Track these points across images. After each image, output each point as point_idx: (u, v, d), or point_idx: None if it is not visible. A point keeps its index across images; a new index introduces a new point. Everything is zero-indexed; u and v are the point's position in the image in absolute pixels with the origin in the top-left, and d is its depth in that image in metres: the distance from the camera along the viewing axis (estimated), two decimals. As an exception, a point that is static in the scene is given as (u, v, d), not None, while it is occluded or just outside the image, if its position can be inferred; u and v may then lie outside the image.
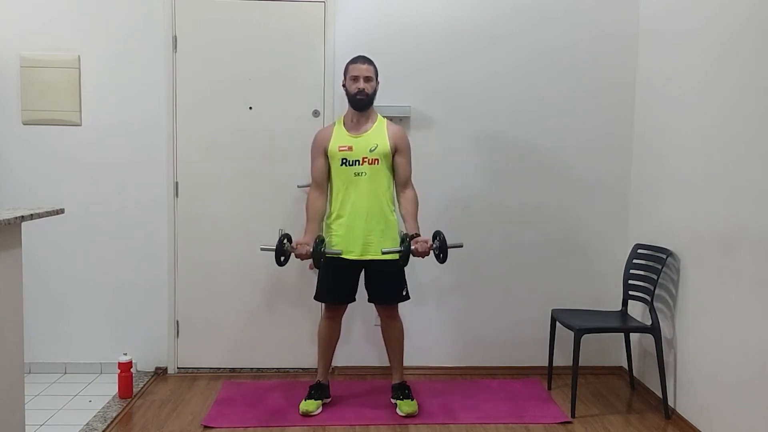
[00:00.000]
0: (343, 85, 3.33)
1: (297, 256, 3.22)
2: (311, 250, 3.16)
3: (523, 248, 3.94)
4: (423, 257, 3.24)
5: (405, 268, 3.36)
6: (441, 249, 3.20)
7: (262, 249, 3.26)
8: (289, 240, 3.23)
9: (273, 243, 3.19)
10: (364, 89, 3.24)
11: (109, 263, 3.85)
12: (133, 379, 3.58)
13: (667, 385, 3.35)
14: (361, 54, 3.35)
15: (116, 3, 3.76)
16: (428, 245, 3.21)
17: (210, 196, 3.86)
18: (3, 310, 2.33)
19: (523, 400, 3.54)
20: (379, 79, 3.33)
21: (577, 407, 3.37)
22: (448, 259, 3.22)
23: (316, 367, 3.53)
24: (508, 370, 3.94)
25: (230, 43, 3.80)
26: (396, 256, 3.27)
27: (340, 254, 3.23)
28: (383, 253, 3.21)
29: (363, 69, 3.26)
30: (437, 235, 3.24)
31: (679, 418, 3.28)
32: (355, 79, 3.25)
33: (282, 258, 3.19)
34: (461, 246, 3.25)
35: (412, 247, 3.16)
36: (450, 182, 3.88)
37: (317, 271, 3.42)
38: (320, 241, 3.20)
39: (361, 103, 3.27)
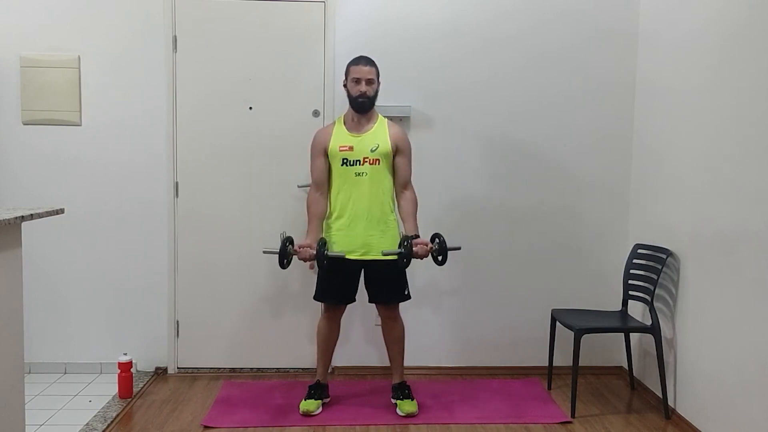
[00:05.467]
0: (344, 85, 3.33)
1: (300, 259, 3.23)
2: (314, 253, 3.17)
3: (523, 248, 3.94)
4: (422, 259, 3.25)
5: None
6: (440, 252, 3.23)
7: (264, 252, 3.28)
8: (291, 243, 3.24)
9: (274, 245, 3.20)
10: (365, 92, 3.24)
11: (109, 263, 3.85)
12: (133, 379, 3.58)
13: (667, 385, 3.35)
14: (362, 54, 3.34)
15: (116, 3, 3.76)
16: (428, 248, 3.22)
17: (210, 196, 3.86)
18: (3, 310, 2.33)
19: (523, 400, 3.54)
20: (380, 79, 3.32)
21: (577, 407, 3.37)
22: (447, 260, 3.25)
23: (315, 367, 3.53)
24: (508, 370, 3.94)
25: (230, 43, 3.80)
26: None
27: (344, 257, 3.23)
28: (383, 254, 3.22)
29: (365, 71, 3.24)
30: (436, 237, 3.26)
31: (679, 418, 3.28)
32: (357, 81, 3.24)
33: (285, 261, 3.20)
34: (459, 249, 3.31)
35: (414, 249, 3.17)
36: (450, 182, 3.88)
37: (317, 270, 3.42)
38: (323, 244, 3.19)
39: (362, 106, 3.27)
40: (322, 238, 3.25)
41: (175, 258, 3.86)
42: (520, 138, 3.89)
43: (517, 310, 3.95)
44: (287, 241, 3.22)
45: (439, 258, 3.25)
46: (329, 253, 3.21)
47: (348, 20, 3.80)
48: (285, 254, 3.18)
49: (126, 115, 3.80)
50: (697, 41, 3.24)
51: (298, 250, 3.21)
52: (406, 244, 3.16)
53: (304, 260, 3.24)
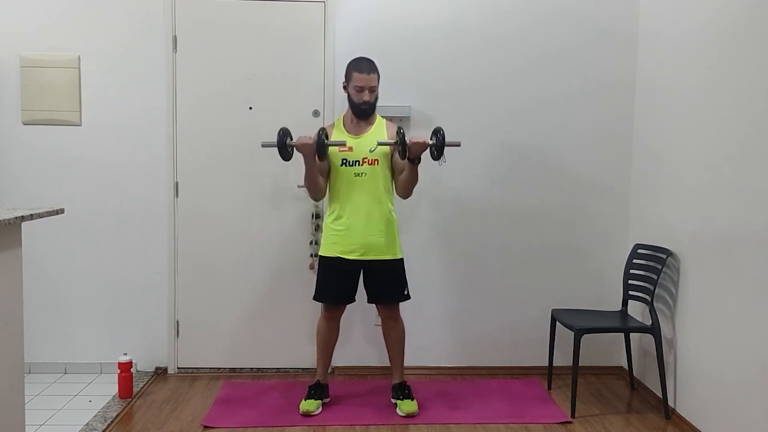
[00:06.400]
0: (344, 87, 3.32)
1: (299, 149, 3.19)
2: (314, 139, 3.14)
3: (523, 248, 3.94)
4: (419, 152, 3.15)
5: (405, 268, 3.37)
6: (437, 146, 3.15)
7: (263, 145, 3.25)
8: (289, 135, 3.22)
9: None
10: (368, 101, 3.24)
11: (109, 263, 3.85)
12: (133, 379, 3.58)
13: (667, 385, 3.35)
14: (363, 55, 3.33)
15: (116, 3, 3.76)
16: (424, 140, 3.14)
17: (210, 196, 3.86)
18: (3, 310, 2.34)
19: (523, 400, 3.54)
20: (379, 81, 3.31)
21: (577, 407, 3.37)
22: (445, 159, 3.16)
23: (315, 367, 3.53)
24: (508, 370, 3.94)
25: (230, 43, 3.80)
26: (396, 255, 3.32)
27: (344, 144, 3.22)
28: (378, 144, 3.22)
29: (368, 79, 3.23)
30: (437, 132, 3.18)
31: (679, 418, 3.28)
32: (360, 89, 3.23)
33: (285, 152, 3.20)
34: (459, 145, 3.23)
35: (407, 139, 3.13)
36: (450, 182, 3.88)
37: (317, 270, 3.43)
38: (322, 133, 3.18)
39: (365, 114, 3.28)
40: (322, 128, 3.24)
41: (175, 258, 3.86)
42: (520, 138, 3.89)
43: (517, 310, 3.95)
44: (284, 133, 3.19)
45: (435, 152, 3.17)
46: (328, 141, 3.20)
47: (348, 20, 3.80)
48: (283, 145, 3.17)
49: (126, 115, 3.80)
50: (697, 41, 3.24)
51: (296, 141, 3.19)
52: (401, 133, 3.14)
53: (304, 149, 3.16)
